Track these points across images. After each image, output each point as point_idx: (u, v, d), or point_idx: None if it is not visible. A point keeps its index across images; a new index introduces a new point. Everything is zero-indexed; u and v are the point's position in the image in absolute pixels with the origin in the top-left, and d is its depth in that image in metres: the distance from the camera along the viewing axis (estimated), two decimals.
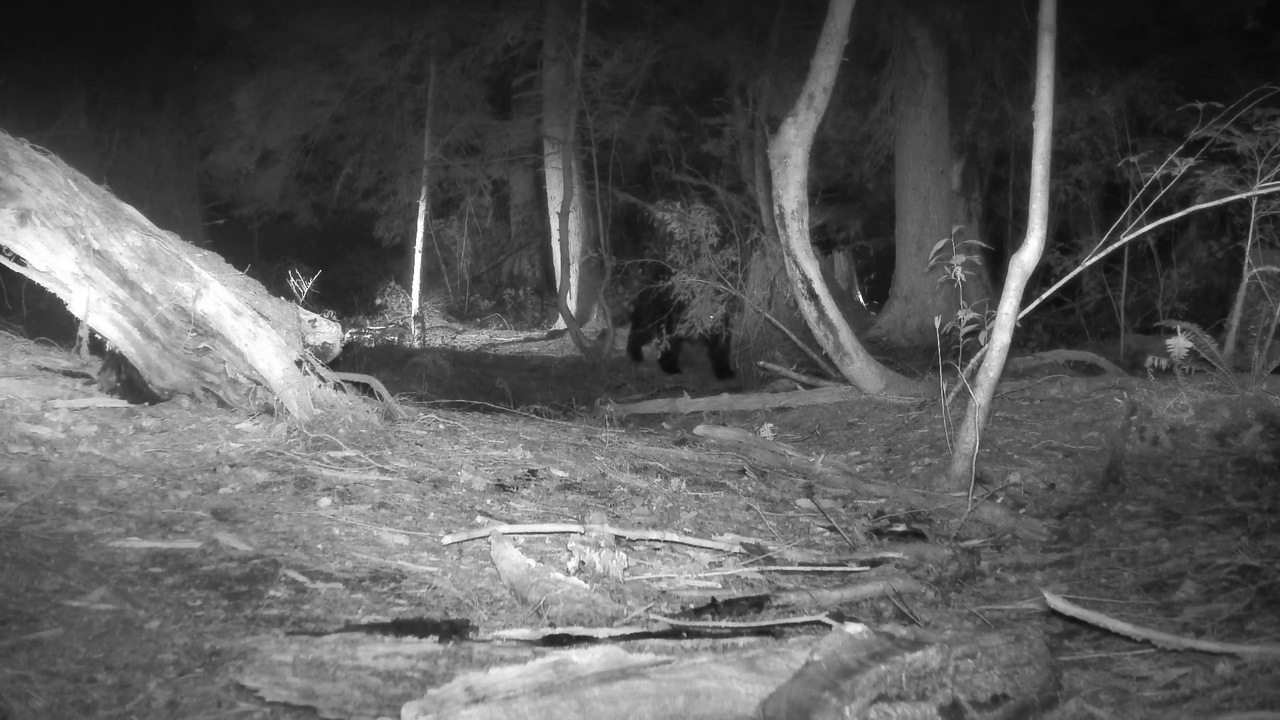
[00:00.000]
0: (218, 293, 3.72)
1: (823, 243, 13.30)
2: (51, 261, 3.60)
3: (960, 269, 4.20)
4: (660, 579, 2.66)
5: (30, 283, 3.75)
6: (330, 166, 14.74)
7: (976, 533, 3.37)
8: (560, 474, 3.81)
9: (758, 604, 2.45)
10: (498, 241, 16.79)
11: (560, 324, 12.84)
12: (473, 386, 8.30)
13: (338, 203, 14.84)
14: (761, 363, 8.13)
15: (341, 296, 13.80)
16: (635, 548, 2.96)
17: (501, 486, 3.51)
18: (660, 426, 6.13)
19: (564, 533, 2.94)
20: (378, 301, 14.03)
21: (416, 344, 11.28)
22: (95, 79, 10.21)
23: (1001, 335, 3.92)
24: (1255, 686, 1.88)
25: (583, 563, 2.64)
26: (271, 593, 2.26)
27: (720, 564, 2.88)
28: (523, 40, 12.24)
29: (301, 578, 2.36)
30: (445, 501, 3.23)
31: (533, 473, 3.76)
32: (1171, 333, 4.34)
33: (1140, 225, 4.04)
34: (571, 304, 12.14)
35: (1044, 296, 4.25)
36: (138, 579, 2.23)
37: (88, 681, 1.74)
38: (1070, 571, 2.91)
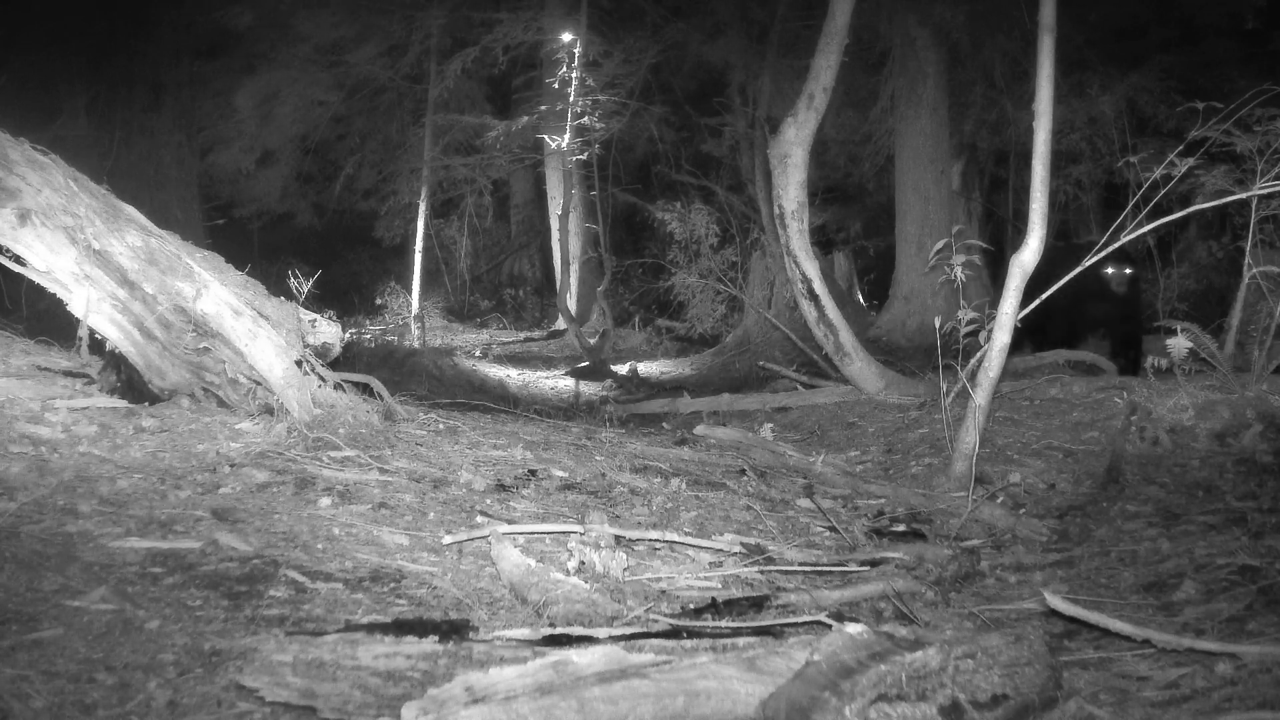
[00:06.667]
0: (218, 293, 3.71)
1: (823, 243, 13.30)
2: (51, 261, 3.60)
3: (960, 269, 4.20)
4: (660, 579, 2.66)
5: (30, 283, 3.75)
6: (330, 166, 14.73)
7: (976, 533, 3.37)
8: (560, 474, 3.81)
9: (758, 604, 2.45)
10: (498, 241, 16.79)
11: (560, 324, 12.84)
12: (472, 386, 8.29)
13: (338, 203, 14.84)
14: (761, 363, 8.13)
15: (341, 296, 13.80)
16: (635, 548, 2.96)
17: (501, 486, 3.51)
18: (660, 426, 6.14)
19: (564, 533, 2.94)
20: (378, 301, 14.03)
21: (416, 344, 11.28)
22: (95, 79, 10.22)
23: (1001, 335, 3.92)
24: (1255, 686, 1.88)
25: (583, 563, 2.64)
26: (271, 593, 2.25)
27: (720, 564, 2.88)
28: (522, 40, 12.24)
29: (301, 578, 2.36)
30: (445, 501, 3.23)
31: (533, 473, 3.76)
32: (1171, 333, 4.34)
33: (1140, 225, 4.04)
34: (571, 304, 12.13)
35: (1044, 296, 4.25)
36: (138, 579, 2.23)
37: (88, 681, 1.74)
38: (1070, 571, 2.91)
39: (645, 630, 2.13)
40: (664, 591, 2.58)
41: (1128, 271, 5.99)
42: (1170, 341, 4.23)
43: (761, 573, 2.81)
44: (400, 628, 2.02)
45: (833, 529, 3.39)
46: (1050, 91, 3.91)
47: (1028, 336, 6.82)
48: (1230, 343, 4.78)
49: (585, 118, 10.99)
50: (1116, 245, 4.03)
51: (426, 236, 12.57)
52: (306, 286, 4.50)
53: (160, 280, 3.68)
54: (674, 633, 2.12)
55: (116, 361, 3.87)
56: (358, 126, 14.23)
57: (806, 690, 1.59)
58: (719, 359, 10.38)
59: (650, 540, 3.00)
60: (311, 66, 12.83)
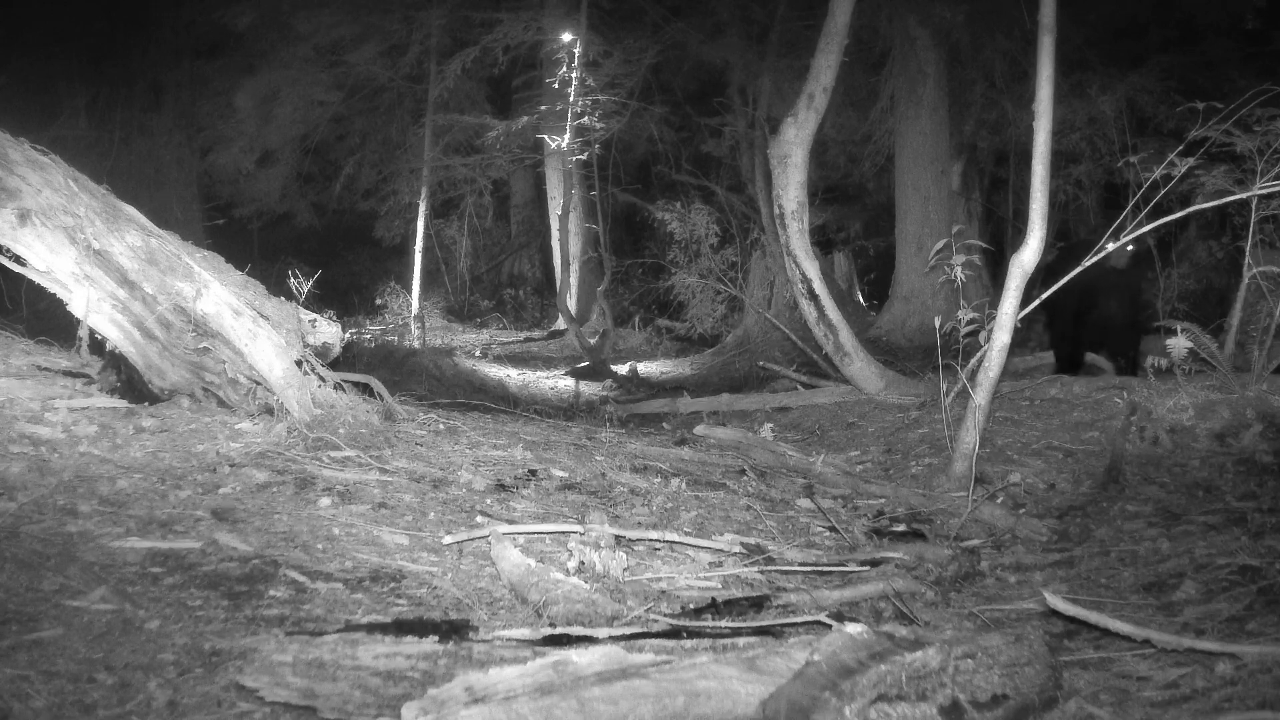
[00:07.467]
0: (218, 293, 3.71)
1: (823, 243, 13.30)
2: (51, 261, 3.60)
3: (960, 269, 4.20)
4: (660, 579, 2.66)
5: (30, 283, 3.75)
6: (330, 166, 14.73)
7: (976, 533, 3.37)
8: (560, 474, 3.81)
9: (758, 604, 2.45)
10: (498, 241, 16.79)
11: (560, 324, 12.84)
12: (473, 386, 8.29)
13: (338, 203, 14.84)
14: (761, 363, 8.13)
15: (341, 296, 13.79)
16: (635, 548, 2.96)
17: (501, 486, 3.51)
18: (660, 426, 6.14)
19: (564, 533, 2.94)
20: (378, 301, 14.03)
21: (416, 344, 11.28)
22: (95, 79, 10.23)
23: (1001, 335, 3.92)
24: (1255, 686, 1.88)
25: (583, 563, 2.64)
26: (271, 593, 2.25)
27: (720, 564, 2.88)
28: (522, 40, 12.24)
29: (301, 578, 2.36)
30: (445, 501, 3.23)
31: (533, 473, 3.76)
32: (1171, 333, 4.34)
33: (1140, 225, 4.04)
34: (571, 304, 12.13)
35: (1044, 296, 4.25)
36: (138, 579, 2.23)
37: (88, 681, 1.74)
38: (1070, 571, 2.91)
39: (645, 630, 2.13)
40: (664, 591, 2.58)
41: (1130, 248, 5.73)
42: (1170, 341, 4.23)
43: (761, 573, 2.81)
44: (400, 628, 2.02)
45: (833, 529, 3.39)
46: (1050, 91, 3.91)
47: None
48: (1230, 343, 4.78)
49: (585, 118, 10.99)
50: (1117, 245, 4.03)
51: (426, 236, 12.57)
52: (306, 286, 4.51)
53: (160, 280, 3.68)
54: (674, 633, 2.12)
55: (116, 361, 3.87)
56: (358, 126, 14.23)
57: (806, 690, 1.59)
58: (719, 359, 10.38)
59: (650, 540, 3.00)
60: (311, 66, 12.82)
